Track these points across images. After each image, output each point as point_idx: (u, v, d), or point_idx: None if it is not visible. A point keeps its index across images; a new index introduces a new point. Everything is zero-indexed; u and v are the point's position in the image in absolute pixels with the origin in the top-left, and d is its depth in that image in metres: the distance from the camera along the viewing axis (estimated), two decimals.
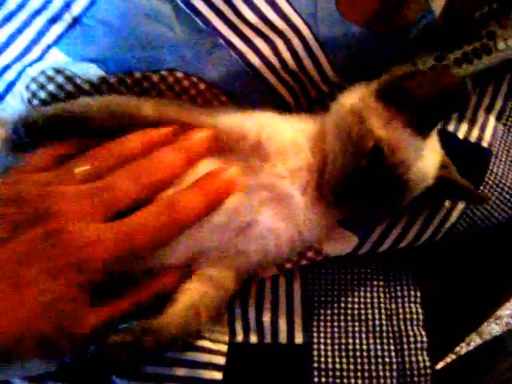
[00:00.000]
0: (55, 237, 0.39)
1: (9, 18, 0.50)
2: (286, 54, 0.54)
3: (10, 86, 0.51)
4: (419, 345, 0.53)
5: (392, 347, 0.53)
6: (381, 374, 0.52)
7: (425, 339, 0.53)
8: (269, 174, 0.50)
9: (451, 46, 0.62)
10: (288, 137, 0.52)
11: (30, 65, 0.51)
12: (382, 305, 0.56)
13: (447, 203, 0.57)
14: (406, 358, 0.52)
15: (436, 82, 0.48)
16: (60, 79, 0.51)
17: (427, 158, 0.50)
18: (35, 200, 0.40)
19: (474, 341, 0.65)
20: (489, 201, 0.58)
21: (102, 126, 0.49)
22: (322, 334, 0.54)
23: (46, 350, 0.38)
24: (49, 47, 0.51)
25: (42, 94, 0.51)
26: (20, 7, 0.50)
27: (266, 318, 0.54)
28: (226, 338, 0.54)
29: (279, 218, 0.50)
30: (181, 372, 0.51)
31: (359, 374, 0.52)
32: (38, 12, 0.50)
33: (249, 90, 0.55)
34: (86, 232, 0.40)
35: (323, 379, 0.52)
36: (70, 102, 0.50)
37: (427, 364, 0.52)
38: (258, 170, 0.50)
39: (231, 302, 0.55)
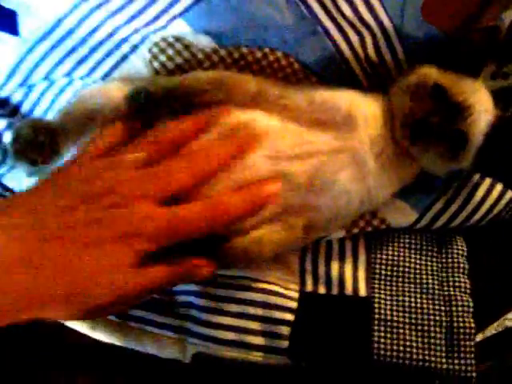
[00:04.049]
0: (117, 209, 0.44)
1: None
2: (371, 49, 0.63)
3: (134, 48, 0.59)
4: (466, 309, 0.60)
5: (442, 308, 0.61)
6: (432, 329, 0.59)
7: (471, 304, 0.61)
8: (353, 140, 0.56)
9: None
10: (371, 110, 0.58)
11: (154, 31, 0.58)
12: (435, 273, 0.63)
13: (498, 187, 0.64)
14: (454, 319, 0.60)
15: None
16: (178, 46, 0.59)
17: (481, 92, 0.57)
18: (95, 182, 0.46)
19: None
20: None
21: (210, 98, 0.55)
22: (382, 291, 0.61)
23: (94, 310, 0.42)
24: (174, 17, 0.58)
25: (162, 57, 0.59)
26: None
27: (334, 272, 0.62)
28: (297, 287, 0.62)
29: (354, 180, 0.56)
30: (254, 311, 0.59)
31: (413, 327, 0.59)
32: None
33: (335, 73, 0.63)
34: (142, 209, 0.44)
35: (382, 328, 0.59)
36: (183, 76, 0.57)
37: (472, 325, 0.59)
38: (346, 136, 0.56)
39: (303, 259, 0.63)
